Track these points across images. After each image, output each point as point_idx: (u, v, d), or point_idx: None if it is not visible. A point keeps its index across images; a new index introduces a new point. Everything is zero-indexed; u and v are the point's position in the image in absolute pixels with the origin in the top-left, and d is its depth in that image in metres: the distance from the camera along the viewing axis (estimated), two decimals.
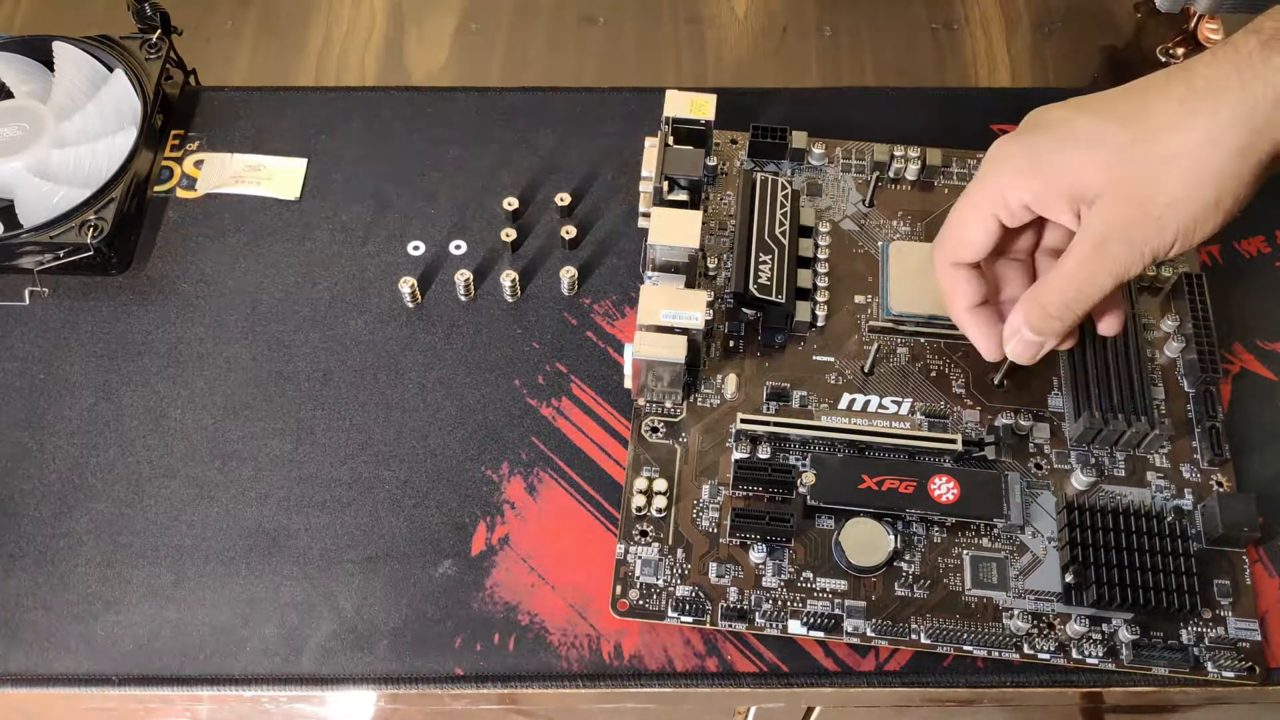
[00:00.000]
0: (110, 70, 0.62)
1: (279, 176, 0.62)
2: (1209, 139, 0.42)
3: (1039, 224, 0.49)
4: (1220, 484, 0.52)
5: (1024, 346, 0.48)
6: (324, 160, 0.62)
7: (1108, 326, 0.51)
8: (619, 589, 0.49)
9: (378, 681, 0.49)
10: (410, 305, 0.58)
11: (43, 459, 0.54)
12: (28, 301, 0.58)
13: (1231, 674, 0.48)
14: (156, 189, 0.62)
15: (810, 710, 0.59)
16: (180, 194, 0.61)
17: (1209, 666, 0.48)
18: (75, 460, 0.54)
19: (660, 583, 0.50)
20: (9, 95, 0.62)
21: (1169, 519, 0.49)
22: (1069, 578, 0.49)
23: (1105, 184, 0.44)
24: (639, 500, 0.51)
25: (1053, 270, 0.47)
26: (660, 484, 0.51)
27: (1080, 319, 0.47)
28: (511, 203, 0.60)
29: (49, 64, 0.63)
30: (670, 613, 0.49)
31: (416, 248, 0.59)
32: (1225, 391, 0.55)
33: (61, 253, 0.57)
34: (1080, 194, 0.45)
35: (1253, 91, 0.42)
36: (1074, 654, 0.48)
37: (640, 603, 0.49)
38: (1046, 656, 0.48)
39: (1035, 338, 0.48)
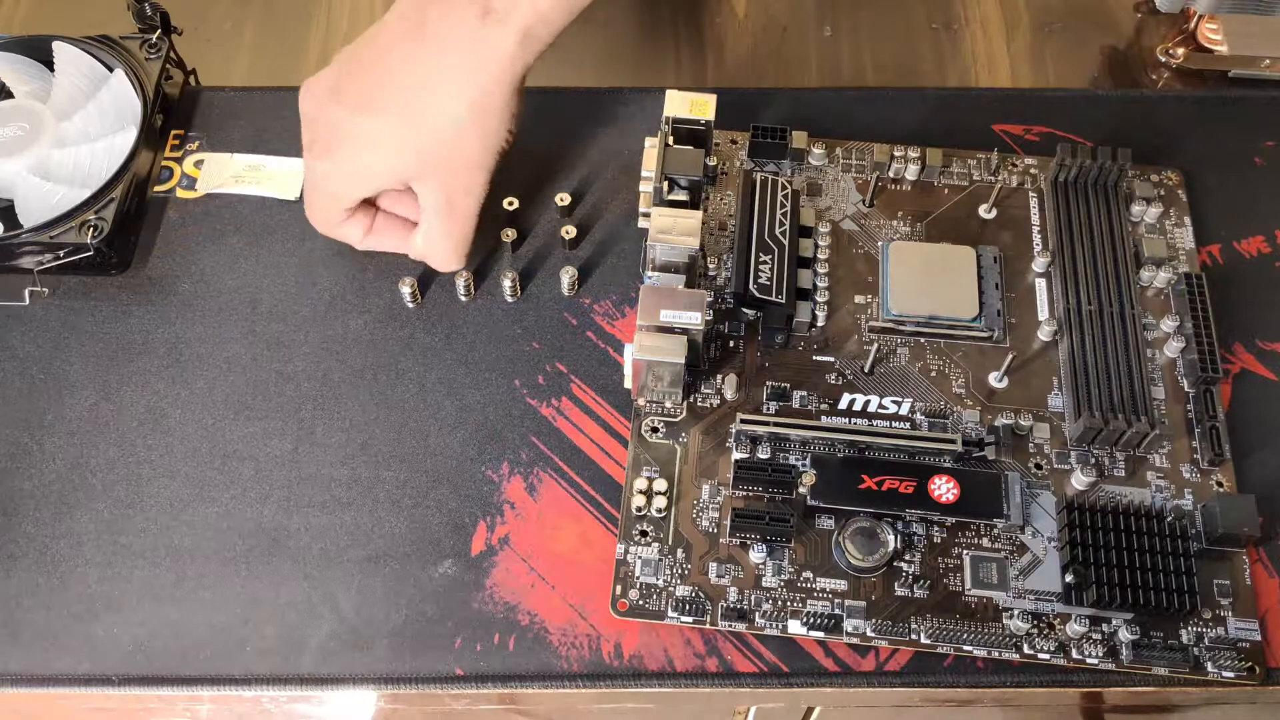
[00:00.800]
0: (110, 70, 0.62)
1: (279, 176, 0.62)
2: (470, 105, 0.51)
3: None
4: (1220, 484, 0.52)
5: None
6: None
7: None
8: (619, 589, 0.49)
9: (377, 681, 0.49)
10: (410, 305, 0.58)
11: (43, 459, 0.54)
12: (28, 301, 0.58)
13: (1231, 674, 0.48)
14: (156, 189, 0.62)
15: (810, 710, 0.59)
16: (180, 194, 0.61)
17: (1209, 666, 0.48)
18: (75, 460, 0.54)
19: (660, 583, 0.50)
20: (9, 95, 0.62)
21: (1169, 519, 0.49)
22: (1069, 578, 0.49)
23: (417, 167, 0.53)
24: (639, 500, 0.51)
25: (426, 235, 0.55)
26: (660, 484, 0.51)
27: (470, 241, 0.56)
28: (512, 203, 0.60)
29: (49, 64, 0.63)
30: (670, 613, 0.49)
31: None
32: (1225, 391, 0.55)
33: (61, 253, 0.57)
34: (404, 179, 0.54)
35: (476, 57, 0.51)
36: (1074, 654, 0.48)
37: (640, 603, 0.49)
38: (1046, 656, 0.48)
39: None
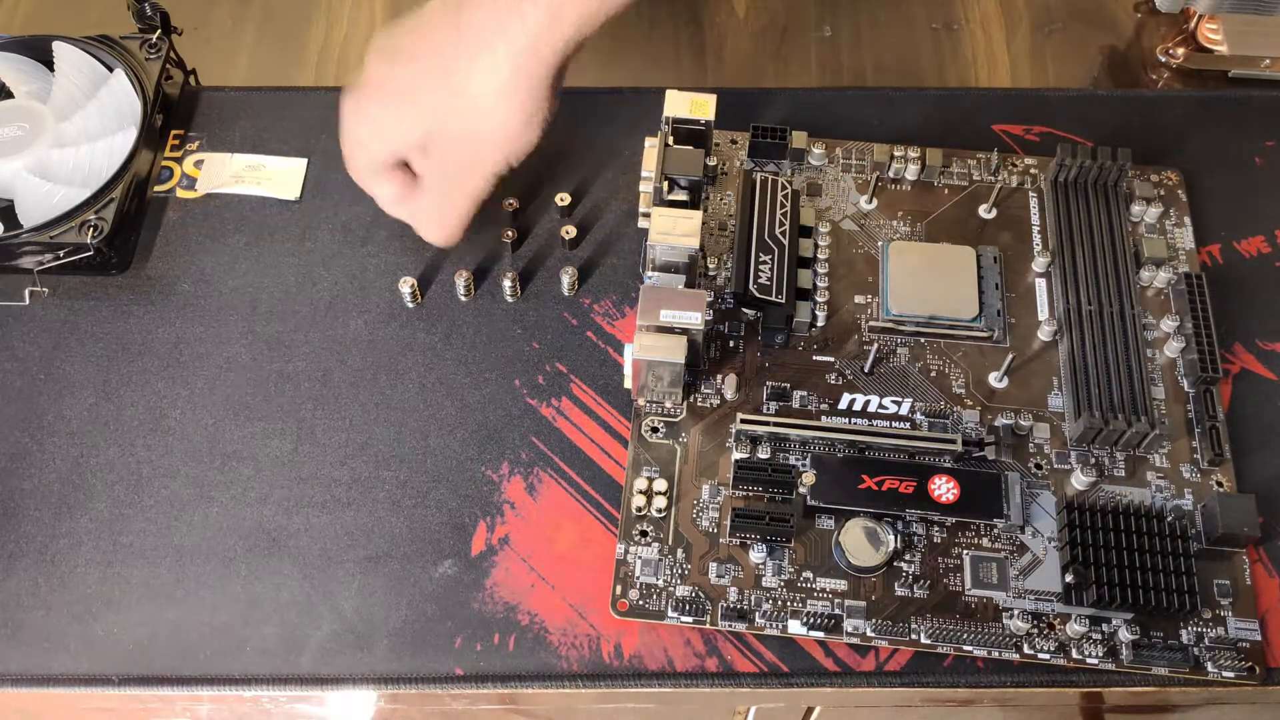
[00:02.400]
0: (110, 70, 0.62)
1: (279, 176, 0.62)
2: (499, 80, 0.50)
3: None
4: (1220, 484, 0.52)
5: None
6: (324, 160, 0.62)
7: None
8: (619, 589, 0.49)
9: (378, 681, 0.49)
10: (410, 305, 0.58)
11: (43, 459, 0.54)
12: (28, 301, 0.58)
13: (1231, 674, 0.48)
14: (156, 189, 0.62)
15: (810, 710, 0.59)
16: (180, 194, 0.61)
17: (1209, 666, 0.48)
18: (75, 460, 0.54)
19: (660, 583, 0.50)
20: (9, 95, 0.62)
21: (1169, 519, 0.49)
22: (1069, 578, 0.49)
23: (436, 133, 0.53)
24: (639, 500, 0.51)
25: (419, 207, 0.56)
26: (660, 484, 0.51)
27: (463, 227, 0.56)
28: (511, 203, 0.60)
29: (49, 64, 0.63)
30: (670, 613, 0.49)
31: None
32: (1225, 391, 0.55)
33: (61, 253, 0.57)
34: (422, 140, 0.53)
35: (505, 33, 0.50)
36: (1074, 654, 0.48)
37: (640, 603, 0.49)
38: (1046, 656, 0.48)
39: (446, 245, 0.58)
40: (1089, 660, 0.48)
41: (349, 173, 0.57)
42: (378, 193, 0.57)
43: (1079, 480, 0.51)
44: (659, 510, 0.51)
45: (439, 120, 0.52)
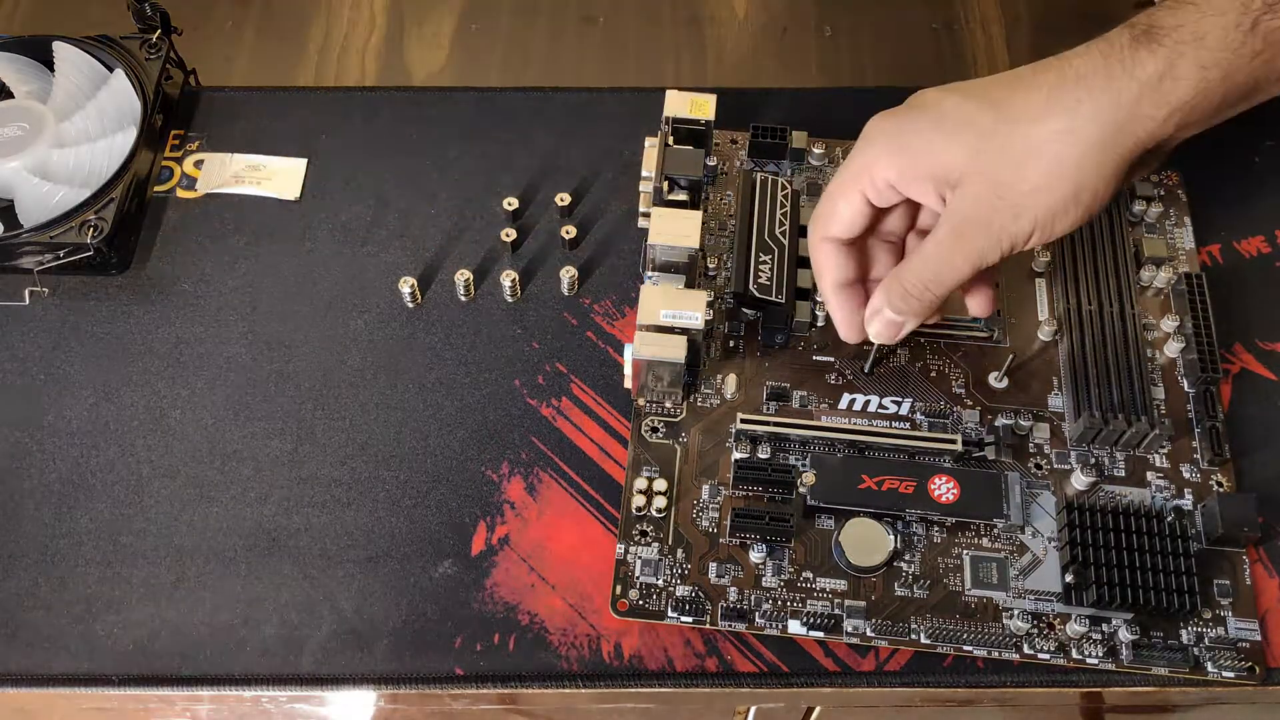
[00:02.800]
0: (110, 70, 0.62)
1: (279, 176, 0.62)
2: (1069, 130, 0.42)
3: (912, 207, 0.50)
4: (1220, 484, 0.52)
5: (885, 325, 0.49)
6: (324, 160, 0.62)
7: (977, 307, 0.51)
8: (619, 589, 0.49)
9: (378, 681, 0.49)
10: (410, 305, 0.58)
11: (43, 459, 0.54)
12: (28, 301, 0.58)
13: (1231, 674, 0.48)
14: (156, 189, 0.62)
15: (810, 710, 0.59)
16: (180, 194, 0.61)
17: (1209, 666, 0.48)
18: (75, 460, 0.54)
19: (660, 583, 0.50)
20: (9, 95, 0.62)
21: (1169, 519, 0.49)
22: (1069, 578, 0.49)
23: (967, 169, 0.44)
24: (639, 500, 0.51)
25: (915, 252, 0.47)
26: (660, 484, 0.51)
27: (940, 300, 0.48)
28: (511, 203, 0.60)
29: (49, 64, 0.63)
30: (670, 613, 0.49)
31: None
32: (1225, 391, 0.55)
33: (61, 253, 0.57)
34: (943, 176, 0.45)
35: (1117, 85, 0.42)
36: (1074, 654, 0.48)
37: (640, 603, 0.49)
38: (1046, 656, 0.48)
39: (896, 317, 0.49)
40: (1089, 660, 0.48)
41: (814, 213, 0.49)
42: (827, 255, 0.49)
43: (1079, 480, 0.51)
44: (659, 510, 0.51)
45: (979, 152, 0.44)
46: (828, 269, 0.50)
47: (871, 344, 0.54)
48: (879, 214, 0.49)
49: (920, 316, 0.49)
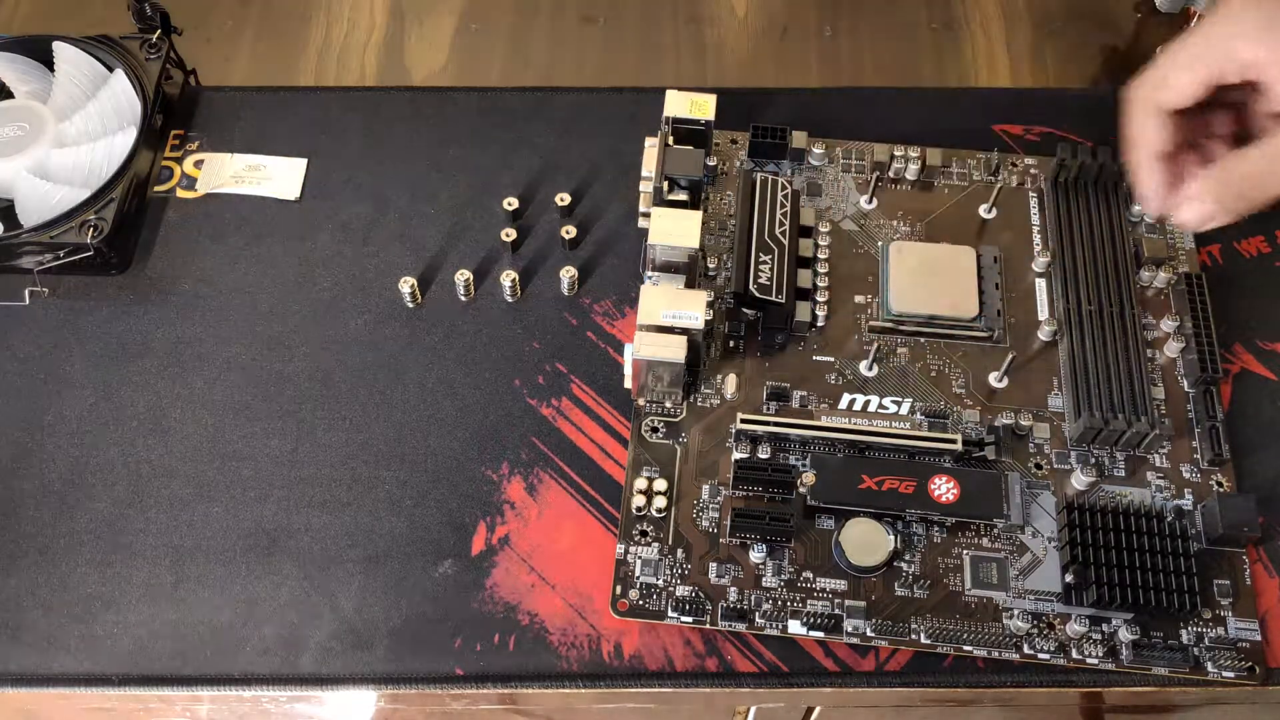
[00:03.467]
0: (110, 70, 0.62)
1: (279, 176, 0.62)
2: None
3: (1222, 112, 0.49)
4: (1220, 484, 0.52)
5: (1198, 214, 0.48)
6: (324, 160, 0.62)
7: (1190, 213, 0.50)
8: (619, 589, 0.49)
9: (377, 681, 0.49)
10: (410, 305, 0.58)
11: (43, 459, 0.54)
12: (28, 301, 0.58)
13: (1231, 674, 0.48)
14: (156, 189, 0.62)
15: (810, 710, 0.59)
16: (180, 194, 0.61)
17: (1209, 666, 0.48)
18: (75, 460, 0.54)
19: (660, 583, 0.50)
20: (9, 95, 0.62)
21: (1169, 519, 0.49)
22: (1069, 578, 0.49)
23: None
24: (639, 500, 0.51)
25: (1260, 144, 0.46)
26: (660, 484, 0.51)
27: (1264, 205, 0.47)
28: (511, 203, 0.60)
29: (49, 64, 0.63)
30: (670, 613, 0.49)
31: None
32: (1225, 392, 0.55)
33: (61, 253, 0.57)
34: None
35: None
36: (1074, 654, 0.48)
37: (640, 603, 0.49)
38: (1046, 656, 0.48)
39: (1215, 207, 0.48)
40: (1089, 660, 0.48)
41: (1146, 79, 0.49)
42: (1156, 126, 0.48)
43: (1079, 480, 0.51)
44: (659, 510, 0.51)
45: None
46: (1148, 138, 0.49)
47: (871, 343, 0.54)
48: (1199, 114, 0.48)
49: (1239, 215, 0.48)
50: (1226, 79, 0.47)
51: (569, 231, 0.59)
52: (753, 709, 0.59)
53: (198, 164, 0.62)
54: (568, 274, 0.58)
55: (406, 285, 0.57)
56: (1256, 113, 0.49)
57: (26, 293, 0.58)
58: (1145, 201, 0.51)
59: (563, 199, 0.60)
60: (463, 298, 0.58)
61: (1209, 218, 0.48)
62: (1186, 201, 0.48)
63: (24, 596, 0.51)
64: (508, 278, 0.57)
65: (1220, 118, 0.50)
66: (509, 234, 0.59)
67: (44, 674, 0.49)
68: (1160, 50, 0.48)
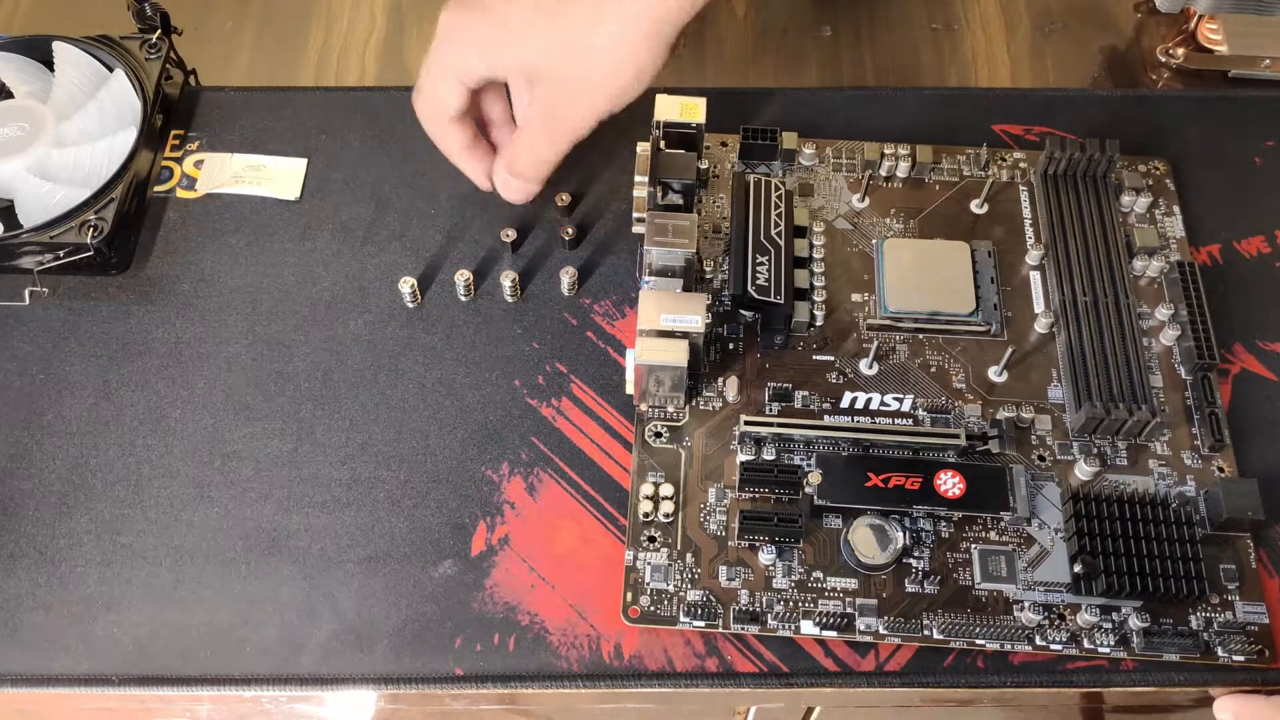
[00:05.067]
0: (110, 70, 0.62)
1: (279, 176, 0.62)
2: (622, 33, 0.51)
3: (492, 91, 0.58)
4: (1221, 469, 0.52)
5: (514, 193, 0.58)
6: (324, 160, 0.62)
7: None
8: (630, 596, 0.49)
9: (378, 681, 0.49)
10: (410, 305, 0.58)
11: (43, 459, 0.53)
12: (28, 301, 0.58)
13: (1242, 658, 0.48)
14: (156, 189, 0.61)
15: (810, 710, 0.59)
16: (180, 194, 0.61)
17: (1219, 651, 0.48)
18: (75, 460, 0.53)
19: (671, 588, 0.49)
20: (9, 95, 0.62)
21: (1173, 506, 0.49)
22: (1078, 568, 0.49)
23: (545, 67, 0.53)
24: (646, 506, 0.51)
25: (519, 135, 0.56)
26: (666, 489, 0.51)
27: (552, 170, 0.56)
28: (509, 234, 0.60)
29: (49, 64, 0.63)
30: (682, 618, 0.49)
31: (509, 235, 0.60)
32: (1225, 391, 0.55)
33: (61, 253, 0.57)
34: (529, 72, 0.54)
35: None
36: (1085, 644, 0.48)
37: (652, 609, 0.49)
38: (1059, 647, 0.48)
39: (522, 185, 0.57)
40: (1100, 650, 0.48)
41: (419, 114, 0.57)
42: (450, 136, 0.57)
43: (1082, 470, 0.51)
44: (666, 515, 0.51)
45: (551, 53, 0.53)
46: (452, 141, 0.57)
47: (871, 341, 0.54)
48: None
49: (537, 185, 0.57)
50: (475, 85, 0.55)
51: (569, 231, 0.59)
52: (753, 709, 0.59)
53: (198, 164, 0.62)
54: (568, 274, 0.58)
55: (406, 285, 0.57)
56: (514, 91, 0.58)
57: (26, 293, 0.58)
58: (478, 183, 0.59)
59: (563, 199, 0.60)
60: (463, 298, 0.58)
61: (524, 193, 0.58)
62: (502, 188, 0.58)
63: (24, 597, 0.50)
64: (508, 278, 0.57)
65: (491, 98, 0.58)
66: (509, 234, 0.59)
67: (44, 674, 0.49)
68: (429, 65, 0.55)
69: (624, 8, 0.51)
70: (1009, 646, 0.48)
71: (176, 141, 0.63)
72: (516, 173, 0.57)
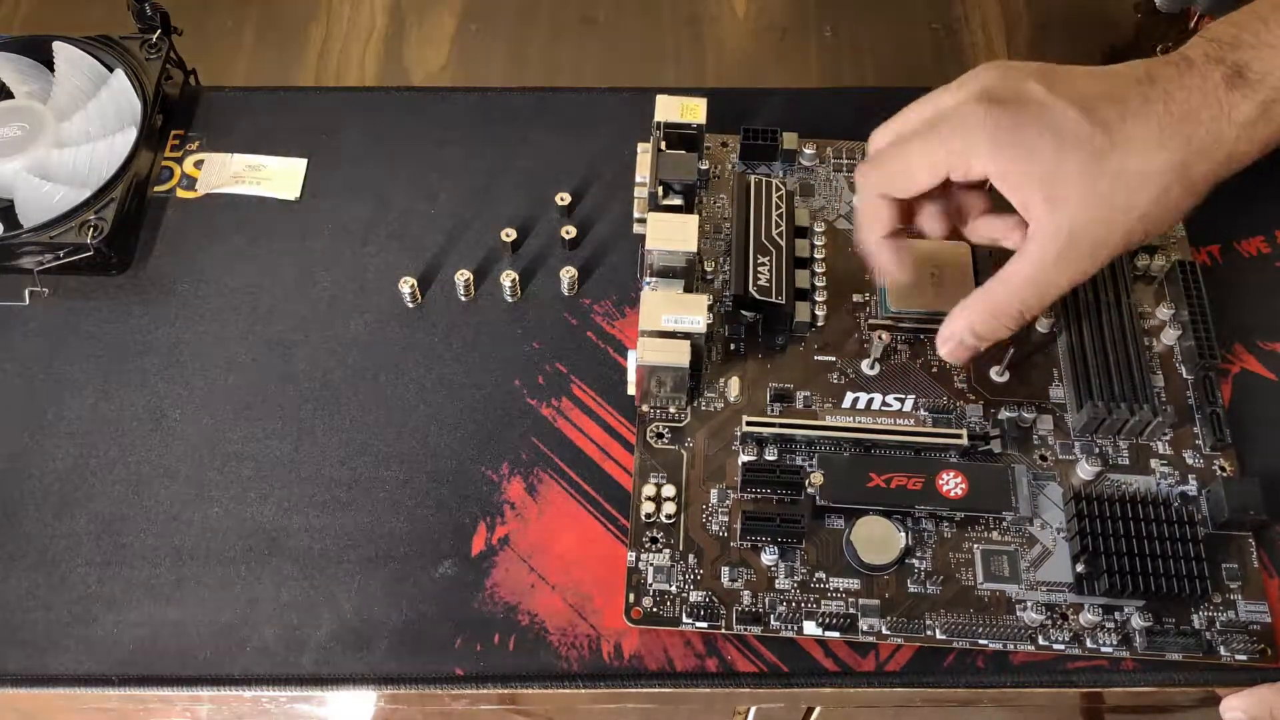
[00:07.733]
0: (110, 70, 0.62)
1: (279, 176, 0.62)
2: (1183, 163, 0.45)
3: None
4: (1223, 468, 0.52)
5: (963, 351, 0.50)
6: (324, 160, 0.62)
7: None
8: (632, 597, 0.49)
9: (378, 682, 0.49)
10: (410, 305, 0.58)
11: (43, 459, 0.53)
12: (28, 301, 0.58)
13: (1244, 656, 0.48)
14: (156, 189, 0.61)
15: (810, 710, 0.59)
16: (180, 194, 0.61)
17: (1222, 650, 0.48)
18: (75, 460, 0.53)
19: (673, 589, 0.49)
20: (9, 95, 0.62)
21: (1175, 505, 0.49)
22: (1080, 567, 0.49)
23: (1080, 188, 0.45)
24: (648, 507, 0.51)
25: (1007, 272, 0.48)
26: (668, 490, 0.51)
27: (1028, 322, 0.49)
28: (510, 233, 0.60)
29: (49, 64, 0.63)
30: (685, 619, 0.49)
31: (509, 234, 0.59)
32: (1226, 391, 0.55)
33: (61, 253, 0.57)
34: (1052, 190, 0.45)
35: (1220, 128, 0.45)
36: (1088, 643, 0.48)
37: (654, 610, 0.49)
38: (1061, 647, 0.48)
39: (976, 342, 0.50)
40: (1104, 649, 0.48)
41: (868, 180, 0.49)
42: (878, 216, 0.49)
43: (1084, 470, 0.51)
44: (668, 516, 0.51)
45: (1097, 181, 0.45)
46: (879, 223, 0.50)
47: (873, 342, 0.54)
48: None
49: (1000, 338, 0.49)
50: (963, 180, 0.48)
51: (569, 231, 0.59)
52: (753, 709, 0.59)
53: (198, 164, 0.62)
54: (568, 274, 0.58)
55: (406, 285, 0.57)
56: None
57: (26, 293, 0.58)
58: (882, 276, 0.53)
59: (563, 199, 0.60)
60: (463, 298, 0.58)
61: (975, 351, 0.50)
62: (945, 341, 0.50)
63: (24, 596, 0.50)
64: (508, 278, 0.57)
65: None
66: (509, 234, 0.59)
67: (44, 674, 0.49)
68: (889, 135, 0.49)
69: (1190, 143, 0.45)
70: (1012, 646, 0.48)
71: (176, 141, 0.63)
72: (993, 314, 0.48)
